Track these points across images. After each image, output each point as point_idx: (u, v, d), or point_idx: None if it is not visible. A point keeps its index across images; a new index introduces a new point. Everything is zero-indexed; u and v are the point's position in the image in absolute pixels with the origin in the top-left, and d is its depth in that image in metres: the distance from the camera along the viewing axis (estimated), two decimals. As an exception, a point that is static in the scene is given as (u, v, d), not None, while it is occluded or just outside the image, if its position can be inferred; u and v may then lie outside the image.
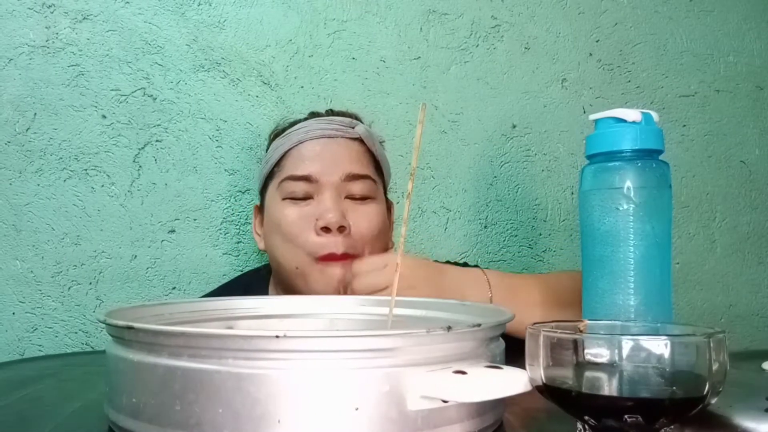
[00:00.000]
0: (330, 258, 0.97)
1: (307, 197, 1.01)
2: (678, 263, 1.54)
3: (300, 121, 1.09)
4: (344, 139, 1.05)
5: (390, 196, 1.31)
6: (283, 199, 1.03)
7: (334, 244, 0.97)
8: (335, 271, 0.97)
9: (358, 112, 1.16)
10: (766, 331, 1.57)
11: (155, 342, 0.52)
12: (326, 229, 0.97)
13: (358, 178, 1.02)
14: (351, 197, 1.02)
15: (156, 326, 0.53)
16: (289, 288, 1.06)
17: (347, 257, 0.97)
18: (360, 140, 1.06)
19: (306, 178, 1.01)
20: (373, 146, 1.07)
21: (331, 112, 1.12)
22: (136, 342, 0.53)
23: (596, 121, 0.69)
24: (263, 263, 1.32)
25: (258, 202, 1.16)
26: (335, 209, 0.97)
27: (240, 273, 1.31)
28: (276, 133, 1.11)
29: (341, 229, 0.97)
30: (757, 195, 1.61)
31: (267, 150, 1.12)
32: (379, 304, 0.82)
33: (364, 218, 1.01)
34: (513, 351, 0.60)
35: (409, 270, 0.80)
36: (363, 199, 1.03)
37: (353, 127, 1.05)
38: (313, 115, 1.12)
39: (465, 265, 1.17)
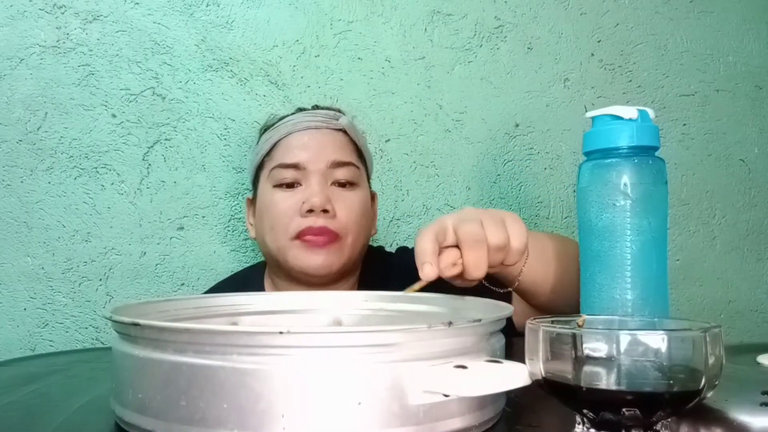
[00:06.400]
0: (308, 232, 1.02)
1: (295, 183, 1.07)
2: (678, 260, 1.55)
3: (288, 115, 1.15)
4: (329, 129, 1.11)
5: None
6: (274, 186, 1.08)
7: (314, 221, 1.03)
8: (316, 255, 1.03)
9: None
10: (765, 327, 1.58)
11: (160, 338, 0.52)
12: (311, 211, 1.03)
13: (342, 164, 1.08)
14: (337, 182, 1.08)
15: (161, 323, 0.53)
16: (277, 272, 1.11)
17: (325, 232, 1.02)
18: (343, 131, 1.12)
19: (294, 166, 1.06)
20: (356, 136, 1.13)
21: (316, 107, 1.18)
22: (142, 338, 0.54)
23: (593, 118, 0.69)
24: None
25: (250, 195, 1.19)
26: (320, 193, 1.03)
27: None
28: (266, 127, 1.16)
29: (325, 211, 1.03)
30: (756, 193, 1.62)
31: (257, 143, 1.17)
32: (382, 300, 0.84)
33: (348, 203, 1.07)
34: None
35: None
36: (348, 185, 1.08)
37: (337, 119, 1.12)
38: (300, 110, 1.18)
39: None
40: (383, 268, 1.15)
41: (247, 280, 1.19)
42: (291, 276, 1.08)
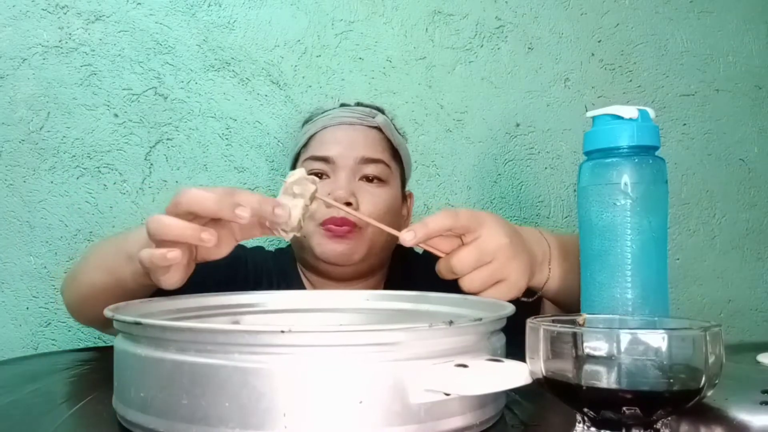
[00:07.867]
0: (330, 221, 1.03)
1: (323, 175, 1.08)
2: (678, 259, 1.56)
3: (329, 110, 1.16)
4: (363, 126, 1.12)
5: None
6: None
7: (337, 212, 1.03)
8: (337, 244, 1.04)
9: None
10: (765, 326, 1.58)
11: (162, 337, 0.52)
12: None
13: (371, 161, 1.09)
14: (365, 178, 1.08)
15: (163, 322, 0.53)
16: (306, 263, 1.12)
17: (346, 222, 1.03)
18: (379, 129, 1.12)
19: (325, 159, 1.08)
20: (392, 135, 1.14)
21: (359, 104, 1.19)
22: (144, 337, 0.54)
23: (594, 118, 0.69)
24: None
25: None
26: (345, 187, 1.04)
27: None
28: (306, 119, 1.18)
29: (348, 204, 1.03)
30: (755, 192, 1.62)
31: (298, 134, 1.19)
32: (383, 299, 0.84)
33: (374, 198, 1.07)
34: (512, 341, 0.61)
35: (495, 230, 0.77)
36: (376, 180, 1.09)
37: (374, 117, 1.12)
38: (342, 105, 1.18)
39: None
40: (408, 269, 1.15)
41: (283, 265, 1.17)
42: (319, 270, 1.09)
